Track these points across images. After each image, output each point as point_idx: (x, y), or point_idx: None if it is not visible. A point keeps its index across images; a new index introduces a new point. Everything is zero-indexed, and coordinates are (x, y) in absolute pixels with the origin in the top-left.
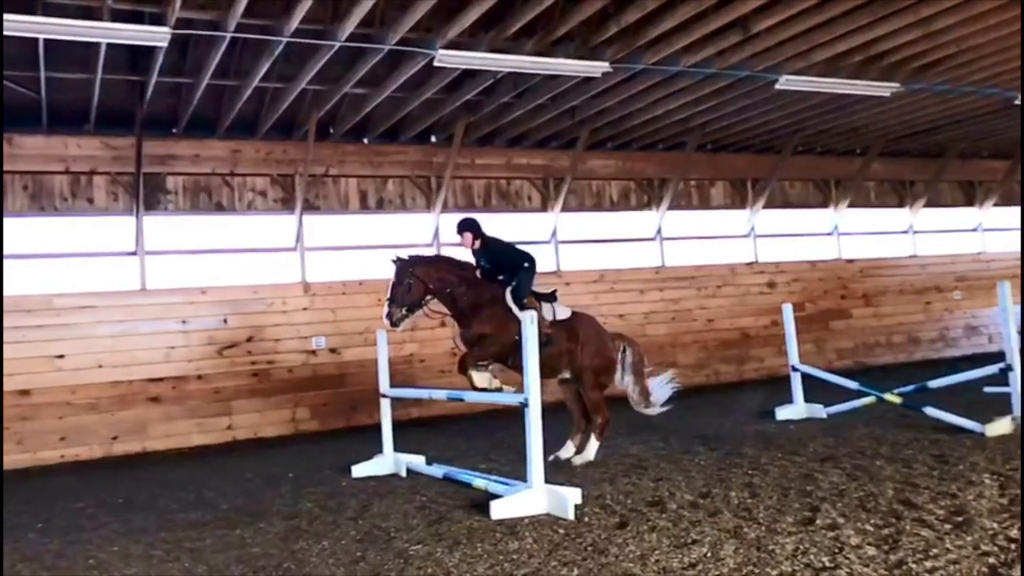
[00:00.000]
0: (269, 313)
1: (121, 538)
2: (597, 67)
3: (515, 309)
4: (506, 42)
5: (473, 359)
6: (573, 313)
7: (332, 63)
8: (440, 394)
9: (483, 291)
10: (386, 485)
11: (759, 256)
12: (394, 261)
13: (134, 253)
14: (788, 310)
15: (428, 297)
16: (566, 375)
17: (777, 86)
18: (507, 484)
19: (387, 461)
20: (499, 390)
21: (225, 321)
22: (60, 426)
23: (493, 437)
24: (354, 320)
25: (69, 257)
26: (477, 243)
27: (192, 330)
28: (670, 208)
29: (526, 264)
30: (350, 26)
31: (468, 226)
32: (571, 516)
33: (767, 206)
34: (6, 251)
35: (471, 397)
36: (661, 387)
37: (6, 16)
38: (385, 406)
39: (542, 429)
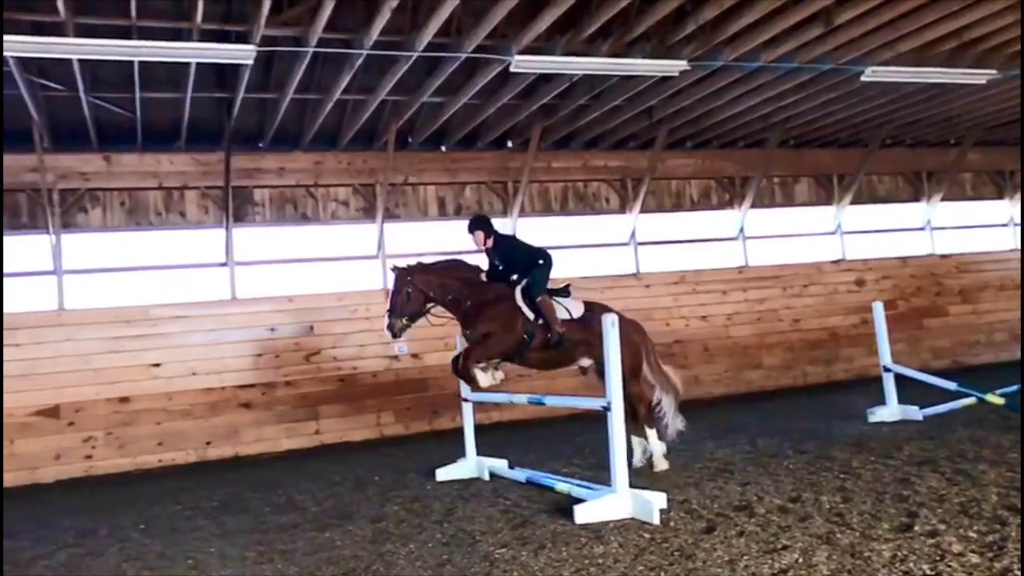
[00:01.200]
0: (353, 320)
1: (217, 539)
2: (674, 66)
3: (525, 308)
4: (582, 45)
5: (475, 359)
6: (587, 307)
7: (410, 73)
8: (521, 398)
9: (487, 291)
10: (469, 488)
11: (847, 253)
12: (393, 270)
13: (224, 264)
14: (879, 308)
15: (429, 305)
16: (584, 363)
17: (863, 78)
18: (591, 488)
19: (470, 465)
20: (503, 382)
21: (311, 328)
22: (158, 431)
23: (574, 441)
24: (435, 326)
25: (164, 269)
26: (489, 242)
27: (280, 337)
28: (752, 206)
29: (541, 261)
30: (428, 36)
31: (479, 225)
32: (656, 521)
33: (854, 202)
34: (106, 264)
35: (552, 401)
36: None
37: (105, 42)
38: (467, 410)
39: (625, 433)
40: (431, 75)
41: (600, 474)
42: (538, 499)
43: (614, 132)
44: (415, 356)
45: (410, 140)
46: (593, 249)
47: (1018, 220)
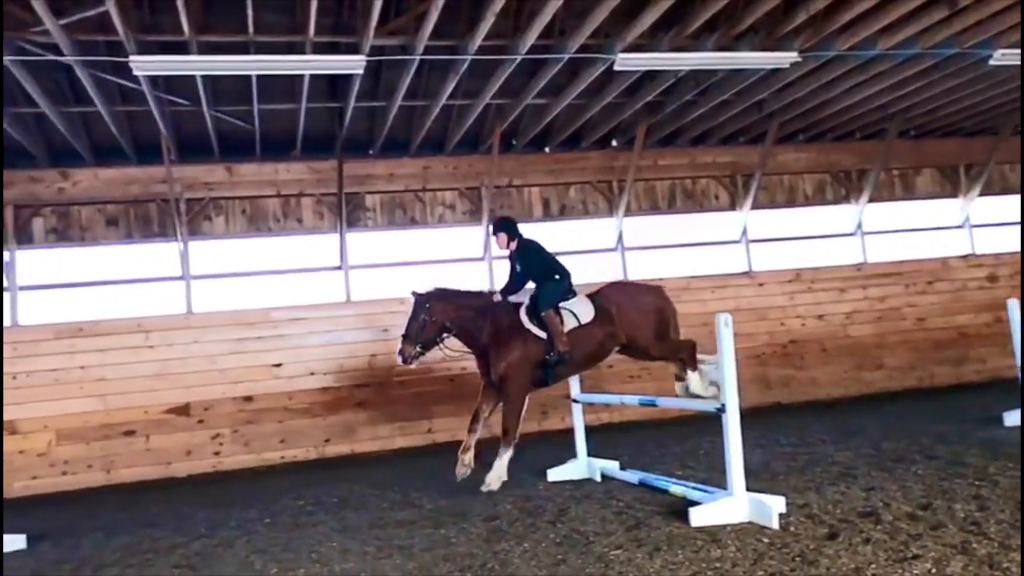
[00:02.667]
0: None
1: (338, 534)
2: (785, 58)
3: (534, 329)
4: (687, 40)
5: (515, 425)
6: (593, 300)
7: (514, 76)
8: (632, 399)
9: (501, 322)
10: (581, 489)
11: (976, 248)
12: (413, 294)
13: (339, 268)
14: (1014, 306)
15: (445, 335)
16: (617, 347)
17: (991, 62)
18: (705, 491)
19: (581, 466)
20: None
21: None
22: (279, 429)
23: (686, 443)
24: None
25: (282, 273)
26: (513, 244)
27: (392, 338)
28: (871, 200)
29: (557, 276)
30: (531, 38)
31: (502, 227)
32: (775, 525)
33: (984, 193)
34: (229, 269)
35: (664, 402)
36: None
37: (225, 58)
38: (577, 411)
39: (740, 435)
40: (534, 77)
41: (714, 477)
42: (651, 501)
43: (722, 127)
44: None
45: (514, 143)
46: (702, 247)
47: None
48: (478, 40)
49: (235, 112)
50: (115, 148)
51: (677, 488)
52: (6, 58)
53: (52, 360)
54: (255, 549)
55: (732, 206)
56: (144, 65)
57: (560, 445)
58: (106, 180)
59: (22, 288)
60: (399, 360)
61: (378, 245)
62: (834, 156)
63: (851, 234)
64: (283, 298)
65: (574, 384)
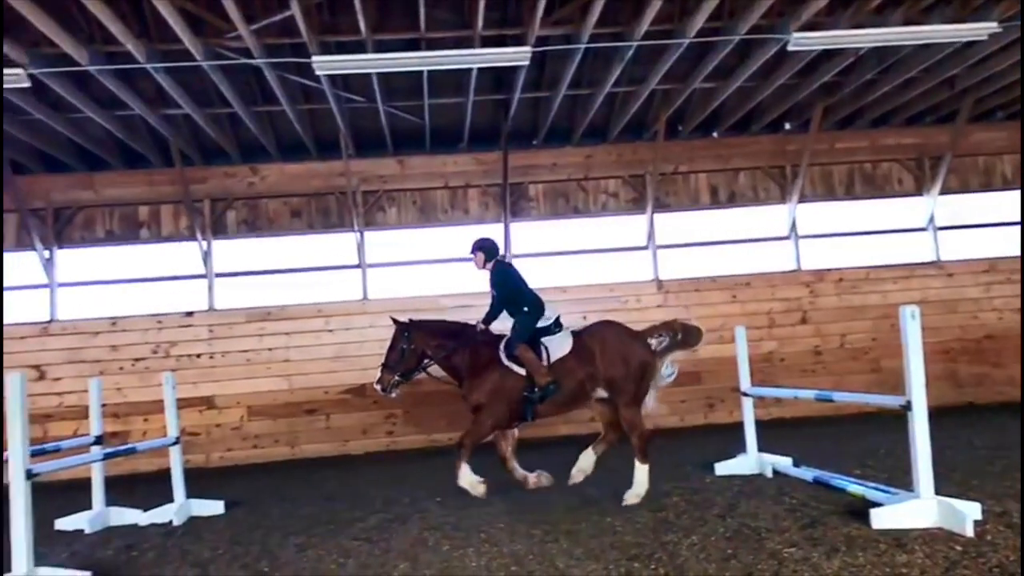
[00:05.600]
0: (624, 310)
1: (505, 516)
2: (982, 29)
3: (513, 366)
4: (869, 15)
5: (472, 442)
6: (575, 335)
7: (680, 61)
8: (807, 394)
9: (480, 354)
10: (751, 485)
11: None
12: (393, 321)
13: (504, 257)
14: None
15: (427, 362)
16: (601, 394)
17: None
18: (888, 492)
19: (750, 460)
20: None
21: (584, 318)
22: (447, 411)
23: (865, 441)
24: (708, 317)
25: (450, 262)
26: (489, 266)
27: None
28: None
29: (526, 308)
30: (699, 21)
31: (480, 246)
32: (969, 533)
33: None
34: (401, 258)
35: (841, 397)
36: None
37: (399, 55)
38: (747, 405)
39: (929, 434)
40: (702, 61)
41: (897, 477)
42: (827, 500)
43: (907, 107)
44: None
45: (680, 128)
46: (884, 235)
47: None
48: (644, 26)
49: (406, 107)
50: (298, 144)
51: (856, 488)
52: (206, 63)
53: (244, 342)
54: (428, 526)
55: (917, 191)
56: (325, 65)
57: (727, 439)
58: (291, 175)
59: (217, 275)
60: (378, 389)
61: (541, 234)
62: None
63: None
64: (451, 286)
65: (744, 377)
